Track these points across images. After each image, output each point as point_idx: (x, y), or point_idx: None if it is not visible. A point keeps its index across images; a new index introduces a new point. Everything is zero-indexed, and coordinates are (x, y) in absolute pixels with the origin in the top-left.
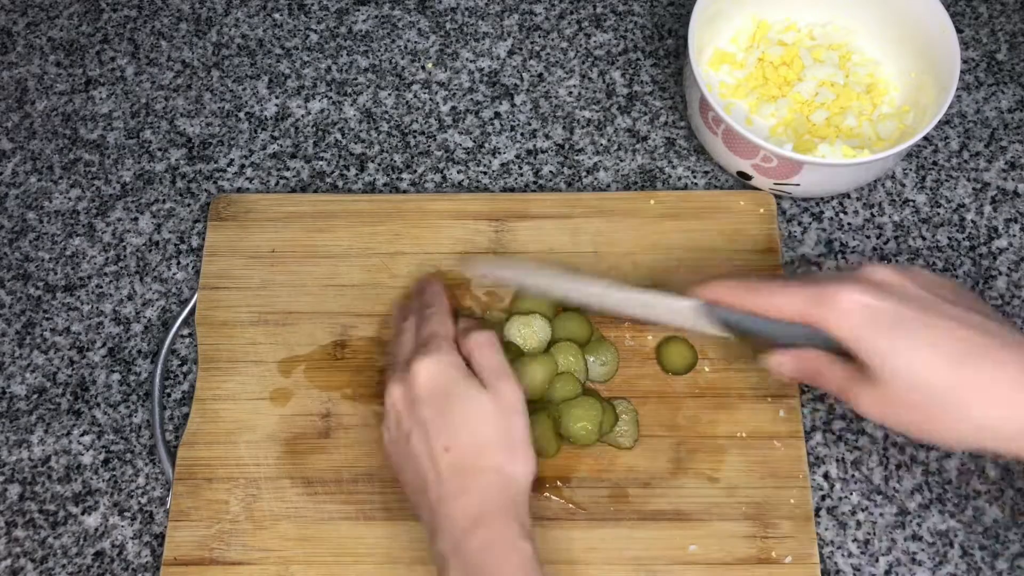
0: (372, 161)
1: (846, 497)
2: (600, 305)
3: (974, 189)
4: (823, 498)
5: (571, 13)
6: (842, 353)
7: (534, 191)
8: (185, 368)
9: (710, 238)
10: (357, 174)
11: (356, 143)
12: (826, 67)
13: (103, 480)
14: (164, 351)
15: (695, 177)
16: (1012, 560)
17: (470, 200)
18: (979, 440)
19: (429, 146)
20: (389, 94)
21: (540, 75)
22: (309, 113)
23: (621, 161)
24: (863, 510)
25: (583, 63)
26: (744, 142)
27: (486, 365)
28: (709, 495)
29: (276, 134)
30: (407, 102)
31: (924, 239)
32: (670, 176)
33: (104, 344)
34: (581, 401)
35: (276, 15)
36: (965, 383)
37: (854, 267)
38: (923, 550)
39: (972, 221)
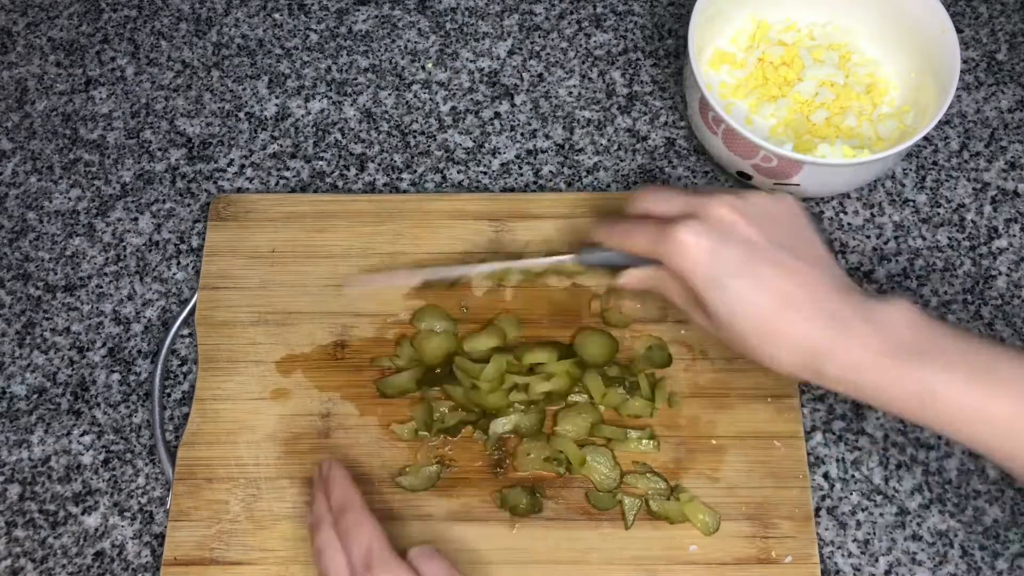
0: (372, 161)
1: (846, 497)
2: (491, 273)
3: (974, 189)
4: (823, 498)
5: (571, 13)
6: None
7: (534, 191)
8: (185, 368)
9: None
10: (357, 174)
11: (356, 143)
12: (826, 67)
13: (103, 480)
14: (164, 351)
15: (695, 177)
16: (1012, 560)
17: (470, 200)
18: (790, 371)
19: (429, 146)
20: (389, 94)
21: (540, 75)
22: (309, 113)
23: (621, 161)
24: (863, 510)
25: (583, 63)
26: (744, 142)
27: None
28: (709, 495)
29: (276, 134)
30: (407, 102)
31: (924, 239)
32: (670, 176)
33: (104, 344)
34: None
35: (276, 15)
36: (773, 333)
37: (701, 195)
38: (923, 550)
39: (972, 221)
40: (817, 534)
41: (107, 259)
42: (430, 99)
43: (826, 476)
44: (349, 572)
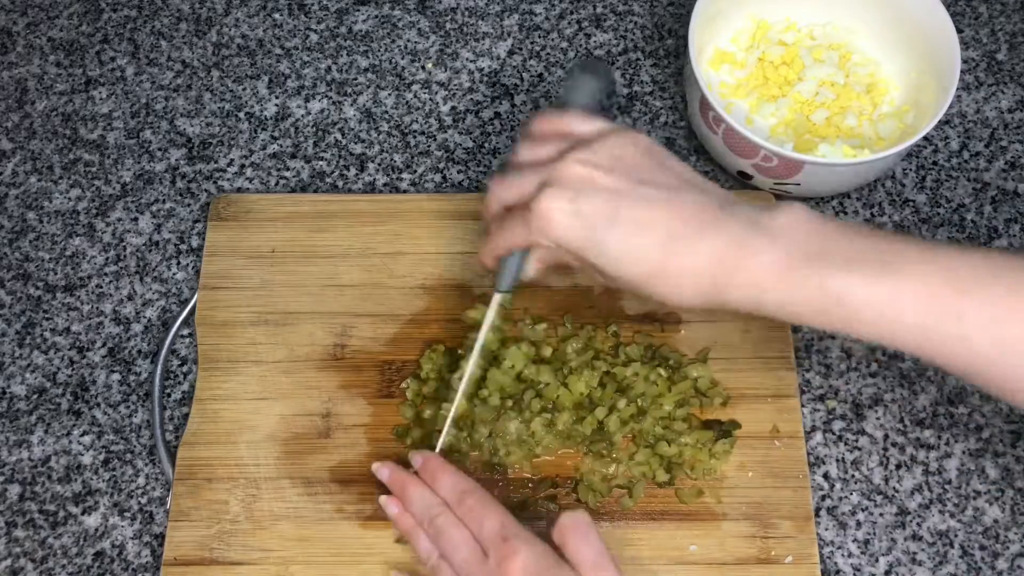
0: (372, 161)
1: (846, 497)
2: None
3: (974, 189)
4: (823, 498)
5: (571, 13)
6: None
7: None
8: (185, 368)
9: None
10: (357, 174)
11: (356, 143)
12: (826, 67)
13: (103, 480)
14: (164, 351)
15: None
16: (1012, 560)
17: (470, 200)
18: (696, 303)
19: (429, 146)
20: (389, 94)
21: (540, 75)
22: (309, 113)
23: None
24: (863, 510)
25: None
26: (744, 142)
27: (586, 558)
28: (709, 495)
29: (276, 134)
30: (407, 102)
31: (924, 239)
32: None
33: (104, 344)
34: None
35: (276, 15)
36: (666, 271)
37: (546, 164)
38: (923, 550)
39: (972, 221)
40: (817, 534)
41: (107, 259)
42: (430, 99)
43: (826, 476)
44: (479, 548)
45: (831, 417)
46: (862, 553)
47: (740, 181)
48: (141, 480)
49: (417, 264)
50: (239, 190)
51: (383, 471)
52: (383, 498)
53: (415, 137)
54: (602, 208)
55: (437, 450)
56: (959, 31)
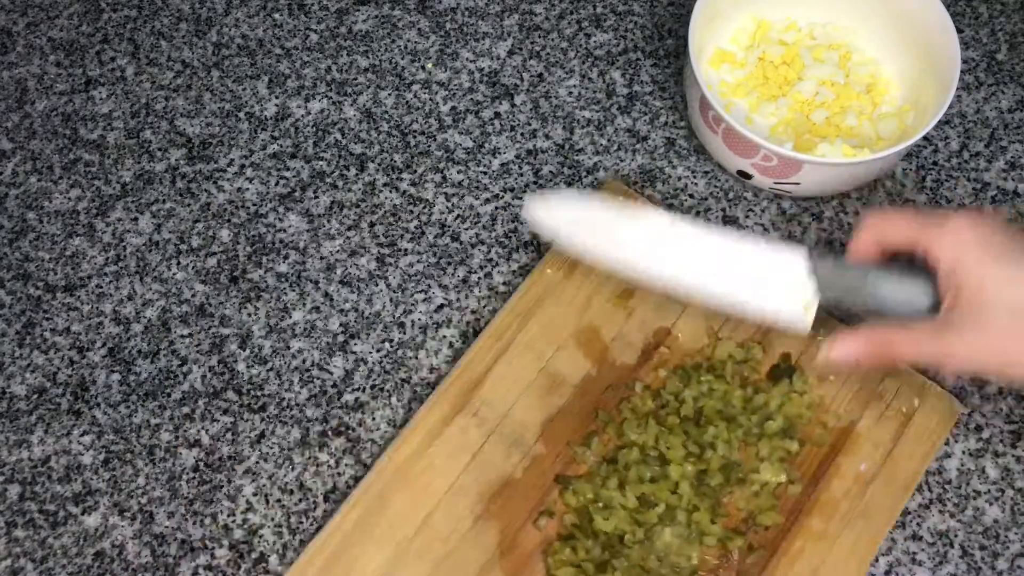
0: (372, 161)
1: None
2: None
3: (974, 189)
4: None
5: (571, 13)
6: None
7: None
8: (185, 368)
9: None
10: (357, 174)
11: (356, 143)
12: (826, 67)
13: (103, 480)
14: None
15: (695, 177)
16: (1012, 560)
17: None
18: None
19: (429, 146)
20: (389, 94)
21: (540, 75)
22: (309, 113)
23: (621, 161)
24: None
25: (583, 63)
26: (744, 141)
27: None
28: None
29: (276, 134)
30: (407, 102)
31: None
32: (670, 176)
33: (104, 344)
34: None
35: (276, 15)
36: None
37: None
38: (923, 550)
39: None
40: None
41: (107, 259)
42: (430, 99)
43: None
44: None
45: None
46: None
47: (740, 180)
48: (141, 480)
49: None
50: (239, 190)
51: None
52: None
53: (415, 137)
54: (1010, 245)
55: None
56: (959, 31)
